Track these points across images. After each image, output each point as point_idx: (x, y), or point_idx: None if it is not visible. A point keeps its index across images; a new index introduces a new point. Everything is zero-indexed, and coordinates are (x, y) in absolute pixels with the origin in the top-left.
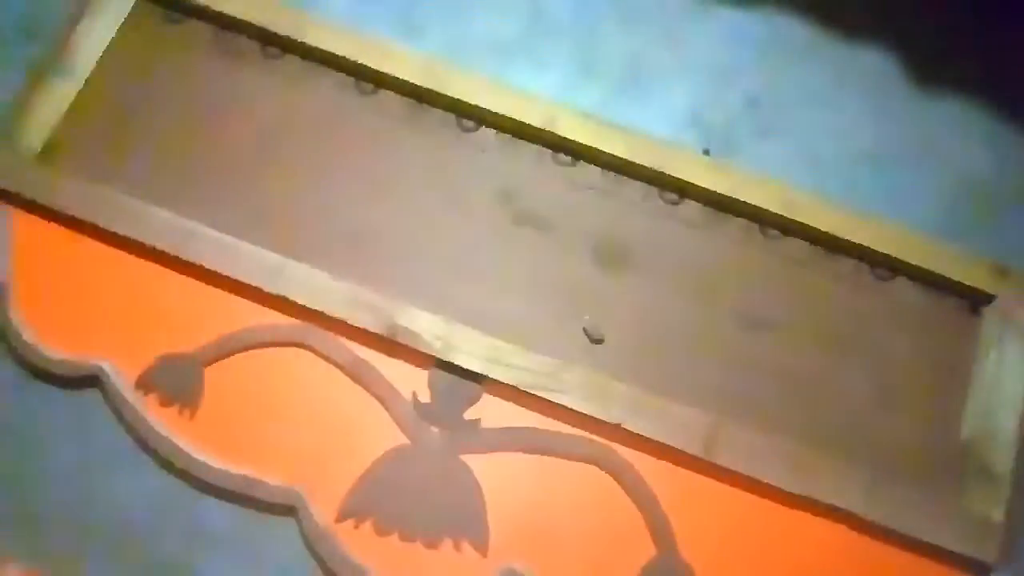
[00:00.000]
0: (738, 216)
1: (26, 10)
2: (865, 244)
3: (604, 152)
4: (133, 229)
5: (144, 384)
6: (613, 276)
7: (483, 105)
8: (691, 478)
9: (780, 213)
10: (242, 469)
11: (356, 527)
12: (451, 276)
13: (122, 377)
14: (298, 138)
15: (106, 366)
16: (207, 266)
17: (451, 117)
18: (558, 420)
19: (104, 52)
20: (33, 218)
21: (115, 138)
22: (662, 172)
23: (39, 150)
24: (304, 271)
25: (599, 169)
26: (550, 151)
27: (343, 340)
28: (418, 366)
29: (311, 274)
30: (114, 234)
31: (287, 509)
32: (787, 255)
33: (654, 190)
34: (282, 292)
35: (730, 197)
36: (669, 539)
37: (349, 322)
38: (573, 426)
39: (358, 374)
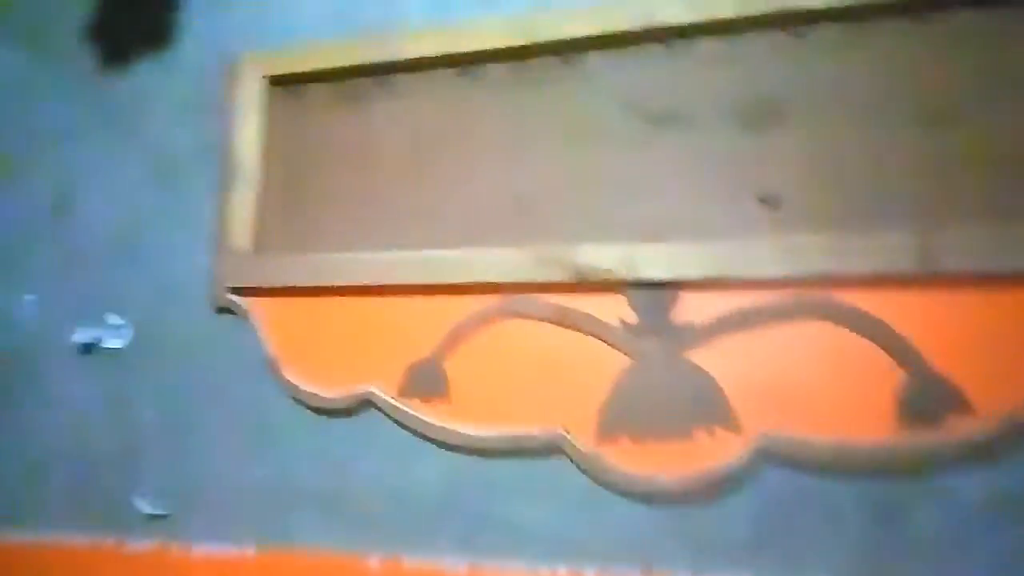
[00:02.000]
0: (875, 18)
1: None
2: None
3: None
4: (342, 277)
5: (405, 392)
6: (770, 136)
7: (580, 35)
8: (917, 295)
9: None
10: (506, 430)
11: (616, 445)
12: (611, 202)
13: (387, 393)
14: (429, 143)
15: (374, 388)
16: (409, 282)
17: (554, 60)
18: (764, 291)
19: (263, 146)
20: (272, 300)
21: (299, 209)
22: (783, 9)
23: (252, 249)
24: (484, 254)
25: (715, 39)
26: (658, 44)
27: (543, 297)
28: (615, 294)
29: (491, 254)
30: (329, 287)
31: (555, 450)
32: (950, 32)
33: (778, 32)
34: (476, 279)
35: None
36: (915, 357)
37: (538, 280)
38: (780, 291)
39: (566, 321)
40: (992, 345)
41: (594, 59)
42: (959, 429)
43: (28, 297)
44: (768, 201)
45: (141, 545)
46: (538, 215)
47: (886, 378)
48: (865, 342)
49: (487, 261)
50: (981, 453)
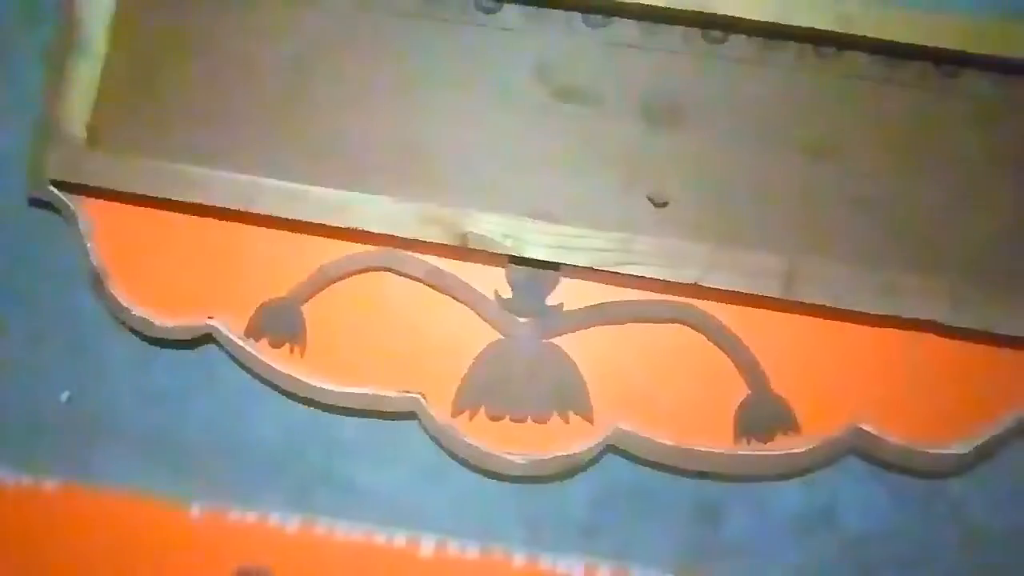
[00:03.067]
0: (788, 41)
1: None
2: (929, 44)
3: (638, 2)
4: (199, 195)
5: (253, 332)
6: (667, 134)
7: None
8: (774, 318)
9: (834, 30)
10: (359, 387)
11: (471, 418)
12: (506, 171)
13: (232, 330)
14: (319, 67)
15: (216, 323)
16: (277, 215)
17: (471, 3)
18: (638, 289)
19: (112, 20)
20: (101, 203)
21: (152, 105)
22: (701, 11)
23: (85, 136)
24: (367, 201)
25: (634, 22)
26: (579, 13)
27: (419, 255)
28: (494, 266)
29: (374, 201)
30: (181, 203)
31: (408, 414)
32: (846, 72)
33: (696, 32)
34: (352, 224)
35: (778, 24)
36: (760, 377)
37: (420, 239)
38: (653, 292)
39: (441, 285)
40: (826, 374)
41: (513, 13)
42: (784, 445)
43: None
44: (656, 201)
45: None
46: (427, 169)
47: (733, 392)
48: (720, 355)
49: (365, 208)
50: (798, 469)
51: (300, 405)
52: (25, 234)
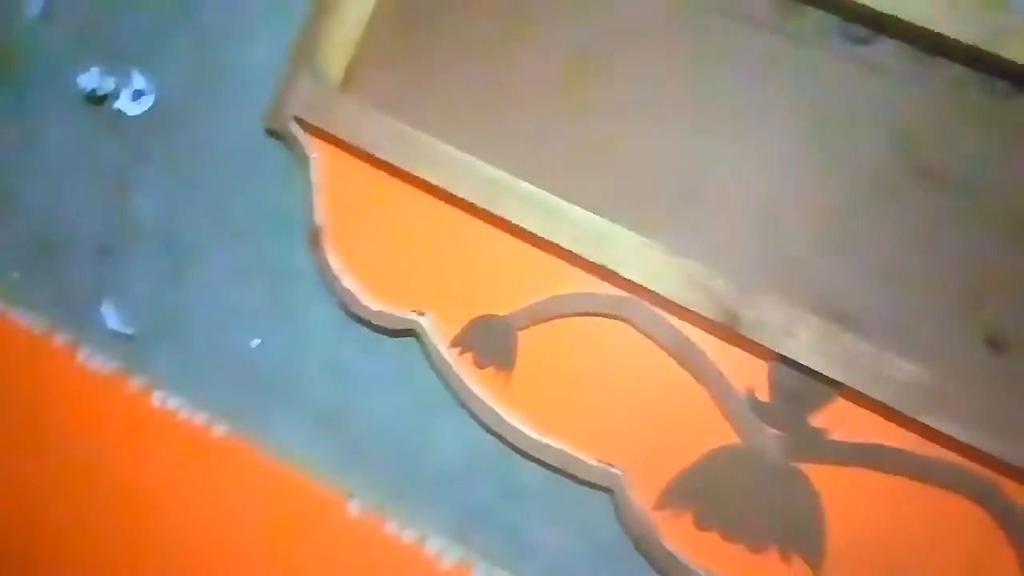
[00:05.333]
0: None
1: None
2: None
3: None
4: (443, 177)
5: (460, 342)
6: None
7: (882, 9)
8: None
9: None
10: (557, 439)
11: (675, 517)
12: (811, 245)
13: (439, 333)
14: (605, 65)
15: (424, 322)
16: (520, 225)
17: (832, 21)
18: (936, 444)
19: None
20: (342, 155)
21: (417, 65)
22: None
23: (341, 80)
24: (628, 239)
25: None
26: (976, 76)
27: (670, 317)
28: (757, 356)
29: (636, 243)
30: (422, 179)
31: (603, 488)
32: None
33: None
34: (604, 261)
35: None
36: None
37: (679, 302)
38: (954, 451)
39: (685, 358)
40: None
41: (888, 51)
42: None
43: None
44: (995, 342)
45: (97, 361)
46: (709, 218)
47: None
48: (1012, 556)
49: (624, 246)
50: None
51: (482, 430)
52: (253, 164)
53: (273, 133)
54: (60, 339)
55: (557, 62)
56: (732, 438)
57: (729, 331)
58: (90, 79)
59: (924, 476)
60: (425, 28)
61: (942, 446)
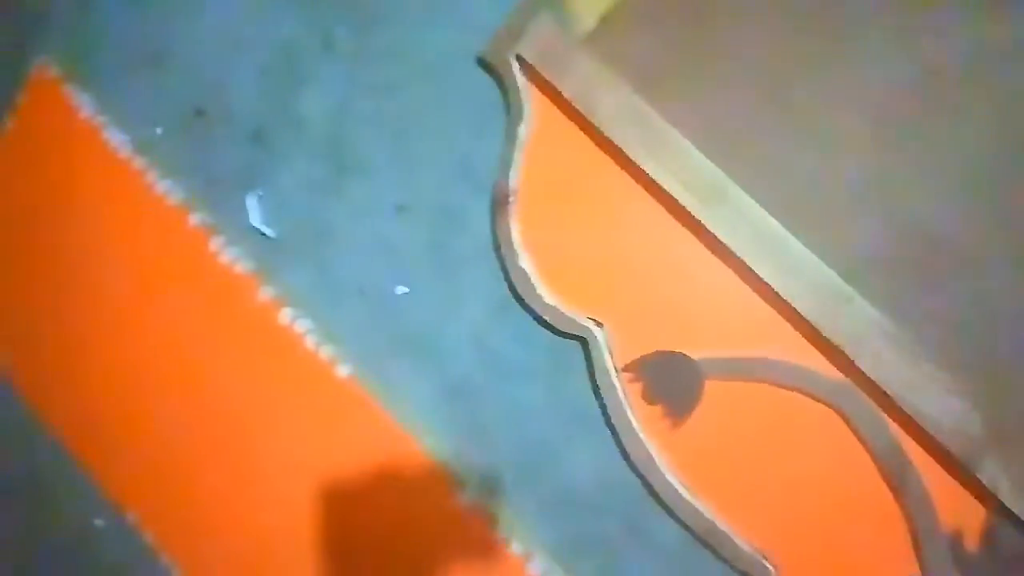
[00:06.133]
0: None
1: None
2: None
3: None
4: (670, 177)
5: (635, 371)
6: None
7: None
8: None
9: None
10: (711, 508)
11: None
12: None
13: (611, 351)
14: (921, 114)
15: (599, 333)
16: (746, 262)
17: None
18: None
19: None
20: (560, 118)
21: (679, 34)
22: None
23: (589, 31)
24: (879, 322)
25: None
26: None
27: (892, 426)
28: (980, 501)
29: (882, 331)
30: (645, 171)
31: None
32: None
33: None
34: (842, 343)
35: None
36: None
37: (920, 420)
38: None
39: (894, 473)
40: None
41: None
42: None
43: None
44: None
45: (229, 254)
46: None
47: None
48: None
49: (867, 328)
50: None
51: (630, 472)
52: (454, 92)
53: (487, 66)
54: (196, 218)
55: (850, 102)
56: (914, 570)
57: (966, 471)
58: None
59: None
60: (703, 10)
61: None
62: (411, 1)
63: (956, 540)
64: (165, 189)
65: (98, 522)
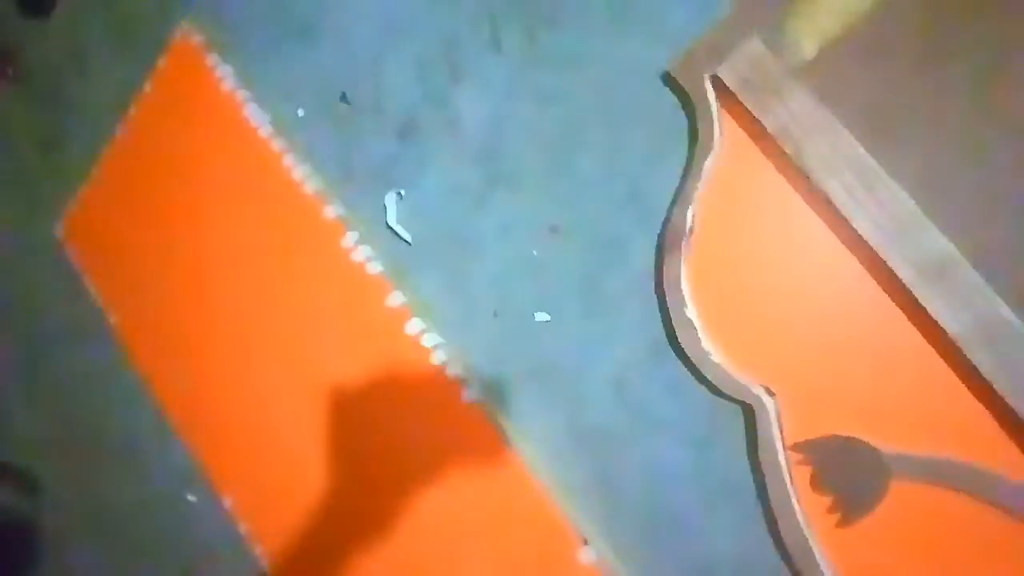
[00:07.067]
0: None
1: None
2: None
3: None
4: (878, 233)
5: (805, 452)
6: None
7: None
8: None
9: None
10: None
11: None
12: None
13: (781, 424)
14: None
15: (769, 403)
16: (960, 345)
17: None
18: None
19: None
20: (757, 154)
21: (903, 69)
22: None
23: (810, 57)
24: None
25: None
26: None
27: None
28: None
29: None
30: (847, 221)
31: None
32: None
33: None
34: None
35: None
36: None
37: None
38: None
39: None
40: None
41: None
42: None
43: None
44: None
45: (362, 253)
46: None
47: None
48: None
49: None
50: None
51: (780, 560)
52: (629, 108)
53: (675, 85)
54: (331, 210)
55: None
56: None
57: None
58: None
59: None
60: (938, 34)
61: None
62: (595, 2)
63: None
64: (302, 175)
65: (191, 498)
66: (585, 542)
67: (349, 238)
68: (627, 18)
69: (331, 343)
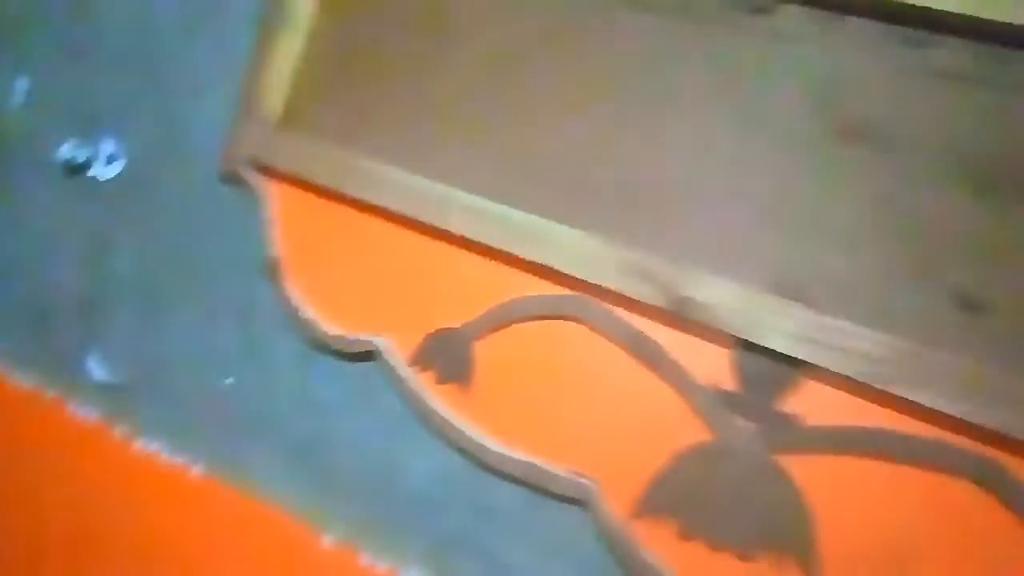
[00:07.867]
0: None
1: None
2: None
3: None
4: (389, 199)
5: (418, 361)
6: (999, 212)
7: None
8: None
9: None
10: (524, 452)
11: (653, 527)
12: (752, 224)
13: (397, 354)
14: (539, 65)
15: (380, 343)
16: (466, 235)
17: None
18: (912, 419)
19: None
20: (290, 189)
21: (352, 90)
22: None
23: (282, 114)
24: (569, 235)
25: (969, 45)
26: (886, 25)
27: (622, 312)
28: (716, 345)
29: (577, 238)
30: (370, 203)
31: (575, 501)
32: None
33: None
34: (548, 261)
35: None
36: None
37: (624, 293)
38: (936, 427)
39: (644, 355)
40: None
41: (793, 17)
42: None
43: (20, 82)
44: (966, 301)
45: (84, 412)
46: (646, 207)
47: None
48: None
49: (564, 242)
50: None
51: (456, 454)
52: (214, 212)
53: (227, 178)
54: (50, 393)
55: (478, 71)
56: (704, 435)
57: (680, 318)
58: (68, 150)
59: (916, 459)
60: (353, 59)
61: (931, 424)
62: (163, 158)
63: (716, 388)
64: (19, 379)
65: None
66: (324, 531)
67: (70, 405)
68: (186, 140)
69: (74, 489)
